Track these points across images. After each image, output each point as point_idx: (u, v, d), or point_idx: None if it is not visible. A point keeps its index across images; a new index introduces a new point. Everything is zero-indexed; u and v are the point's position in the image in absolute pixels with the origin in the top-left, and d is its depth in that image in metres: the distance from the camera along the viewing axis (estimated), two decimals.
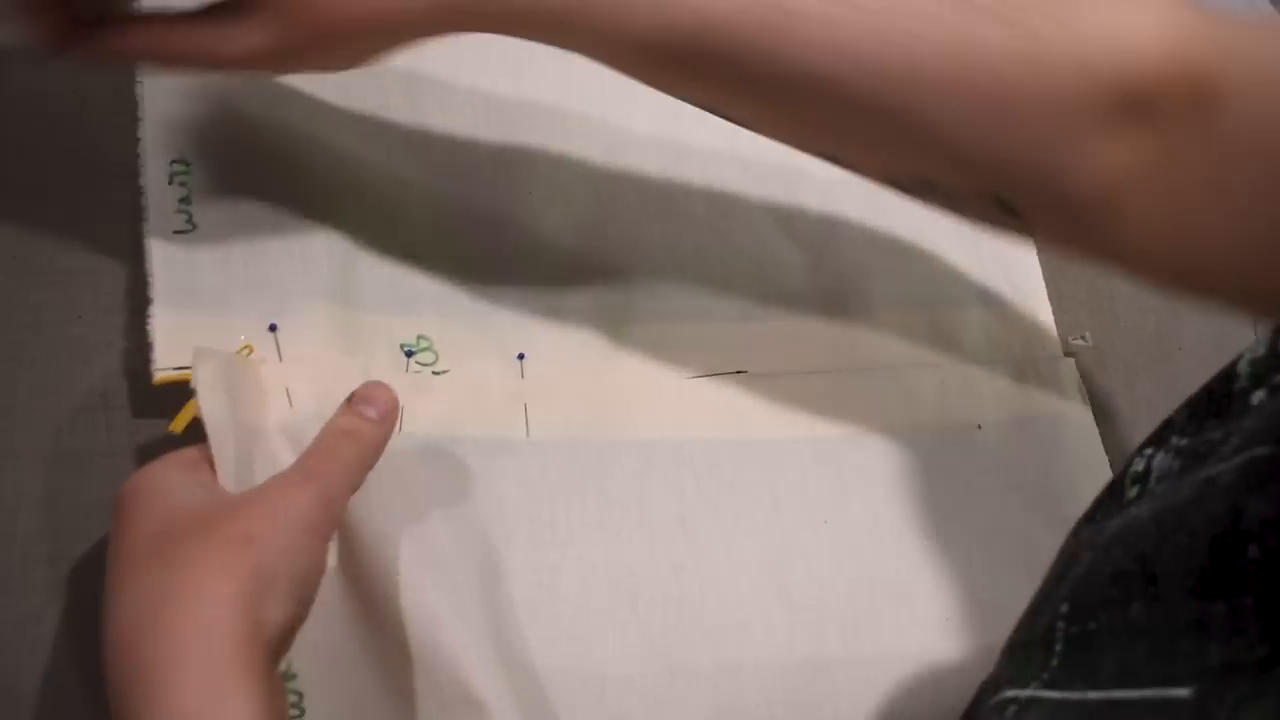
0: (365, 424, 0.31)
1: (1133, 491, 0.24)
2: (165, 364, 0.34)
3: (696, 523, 0.39)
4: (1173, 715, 0.18)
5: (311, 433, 0.31)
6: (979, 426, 0.44)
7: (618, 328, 0.41)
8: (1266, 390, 0.21)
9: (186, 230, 0.37)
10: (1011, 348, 0.46)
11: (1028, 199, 0.32)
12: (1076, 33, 0.29)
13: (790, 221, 0.46)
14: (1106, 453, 0.45)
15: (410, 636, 0.32)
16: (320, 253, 0.38)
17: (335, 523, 0.30)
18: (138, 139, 0.37)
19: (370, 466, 0.31)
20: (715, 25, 0.30)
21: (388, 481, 0.33)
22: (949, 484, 0.42)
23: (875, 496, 0.41)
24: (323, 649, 0.32)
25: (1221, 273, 0.28)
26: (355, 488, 0.31)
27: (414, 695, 0.32)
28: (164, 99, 0.38)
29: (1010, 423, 0.44)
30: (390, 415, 0.32)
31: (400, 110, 0.41)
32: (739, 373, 0.42)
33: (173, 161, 0.37)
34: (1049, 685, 0.22)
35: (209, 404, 0.32)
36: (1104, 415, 0.48)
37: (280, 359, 0.36)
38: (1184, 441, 0.24)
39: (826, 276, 0.45)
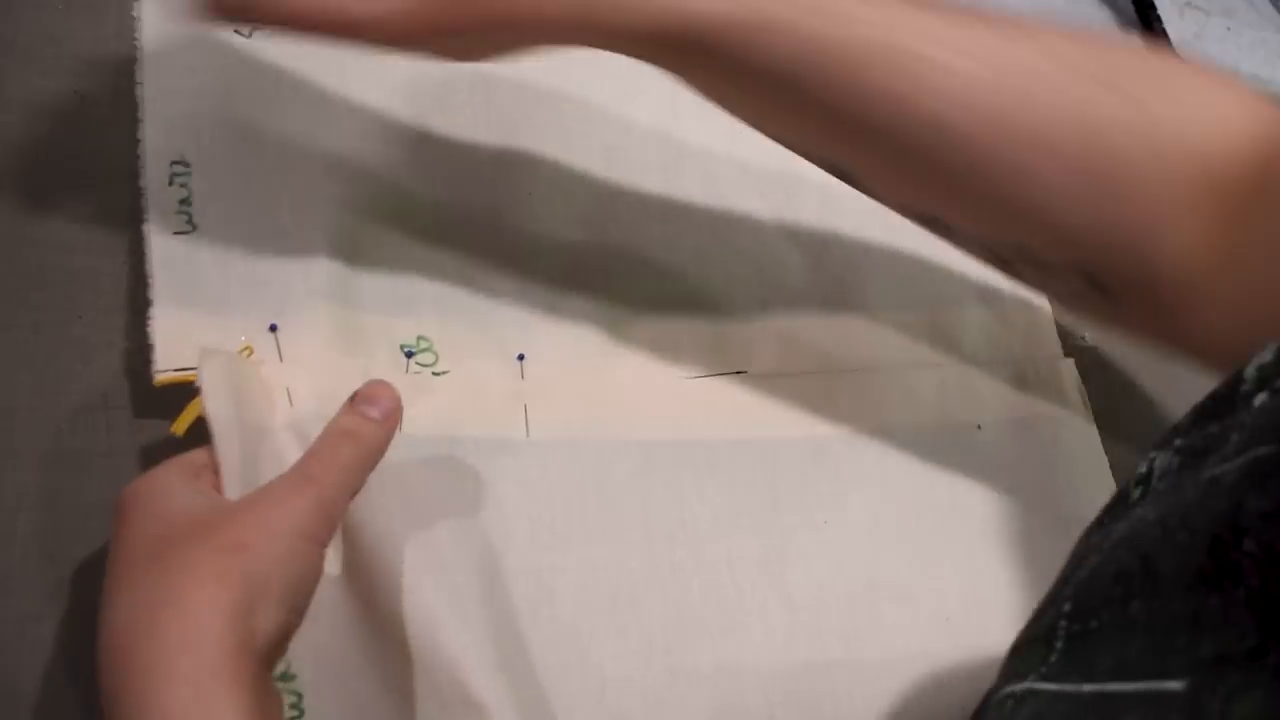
0: (367, 424, 0.31)
1: (1136, 493, 0.24)
2: (166, 365, 0.34)
3: (696, 523, 0.39)
4: (1165, 708, 0.18)
5: (314, 432, 0.31)
6: (979, 426, 0.44)
7: (618, 328, 0.41)
8: (1269, 393, 0.21)
9: (187, 231, 0.36)
10: (1011, 348, 0.46)
11: (1120, 276, 0.31)
12: (1183, 111, 0.29)
13: (790, 222, 0.46)
14: (1106, 453, 0.45)
15: (410, 637, 0.32)
16: (320, 254, 0.38)
17: (334, 526, 0.30)
18: (138, 140, 0.37)
19: (372, 467, 0.31)
20: (846, 66, 0.30)
21: (388, 483, 0.33)
22: (949, 484, 0.42)
23: (875, 496, 0.41)
24: (322, 650, 0.32)
25: None
26: (357, 489, 0.31)
27: (413, 696, 0.32)
28: (164, 100, 0.38)
29: (1010, 423, 0.44)
30: (393, 415, 0.32)
31: (401, 110, 0.41)
32: (739, 373, 0.42)
33: (173, 163, 0.37)
34: (1045, 678, 0.22)
35: (214, 404, 0.32)
36: (1103, 415, 0.48)
37: (281, 359, 0.36)
38: (1183, 441, 0.24)
39: (826, 277, 0.45)
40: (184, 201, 0.37)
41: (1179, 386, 0.53)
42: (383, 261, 0.39)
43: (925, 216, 0.35)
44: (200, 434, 0.32)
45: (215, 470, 0.31)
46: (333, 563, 0.33)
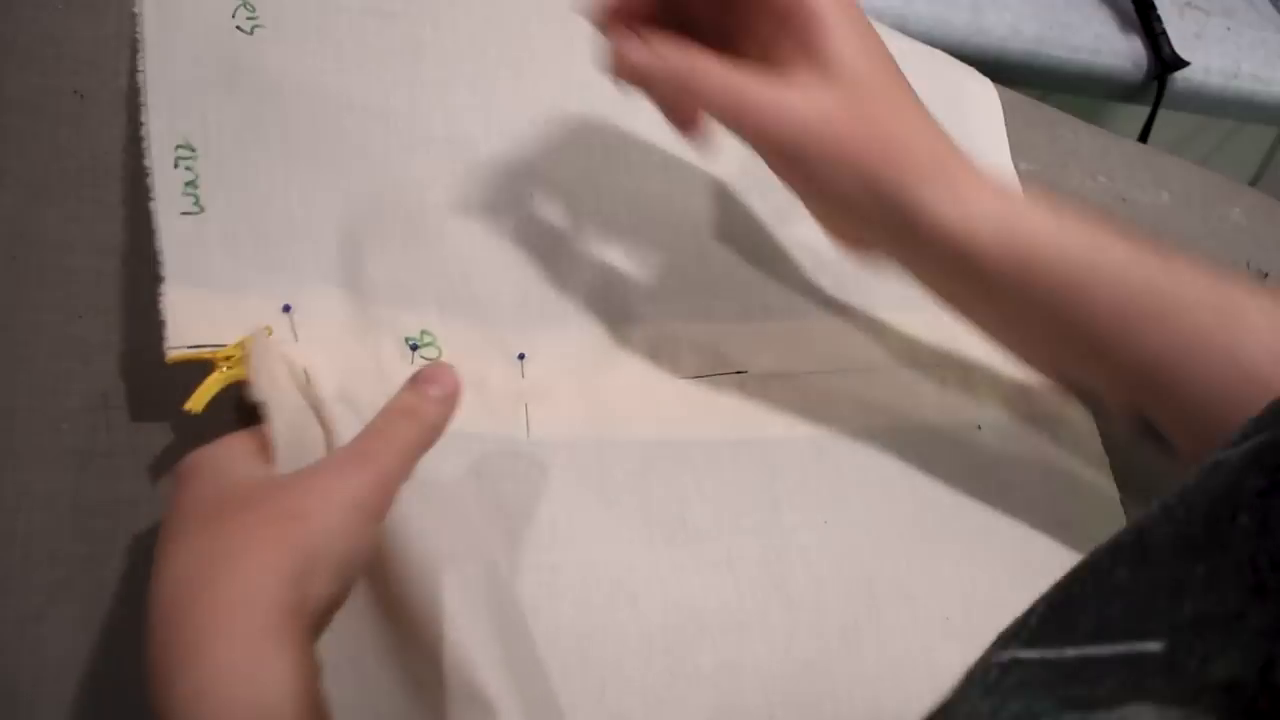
0: (428, 403, 0.31)
1: None
2: (178, 342, 0.33)
3: (697, 522, 0.39)
4: (1144, 669, 0.18)
5: (333, 413, 0.31)
6: (979, 426, 0.44)
7: (618, 328, 0.41)
8: None
9: (194, 212, 0.36)
10: None
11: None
12: None
13: (790, 221, 0.46)
14: (1106, 452, 0.45)
15: (416, 630, 0.32)
16: (329, 242, 0.38)
17: (389, 504, 0.30)
18: (141, 123, 0.36)
19: (428, 447, 0.31)
20: (1111, 309, 0.34)
21: None
22: (949, 484, 0.42)
23: (875, 496, 0.41)
24: (334, 639, 0.32)
25: None
26: (412, 468, 0.31)
27: (422, 687, 0.32)
28: (167, 87, 0.37)
29: (1010, 423, 0.44)
30: (453, 397, 0.32)
31: (401, 110, 0.41)
32: (739, 373, 0.42)
33: (178, 146, 0.36)
34: (1027, 644, 0.22)
35: (261, 382, 0.32)
36: (1103, 415, 0.48)
37: (296, 339, 0.36)
38: None
39: (826, 276, 0.45)
40: (190, 184, 0.36)
41: None
42: (386, 258, 0.39)
43: (1050, 371, 0.39)
44: (215, 409, 0.32)
45: (268, 449, 0.32)
46: None
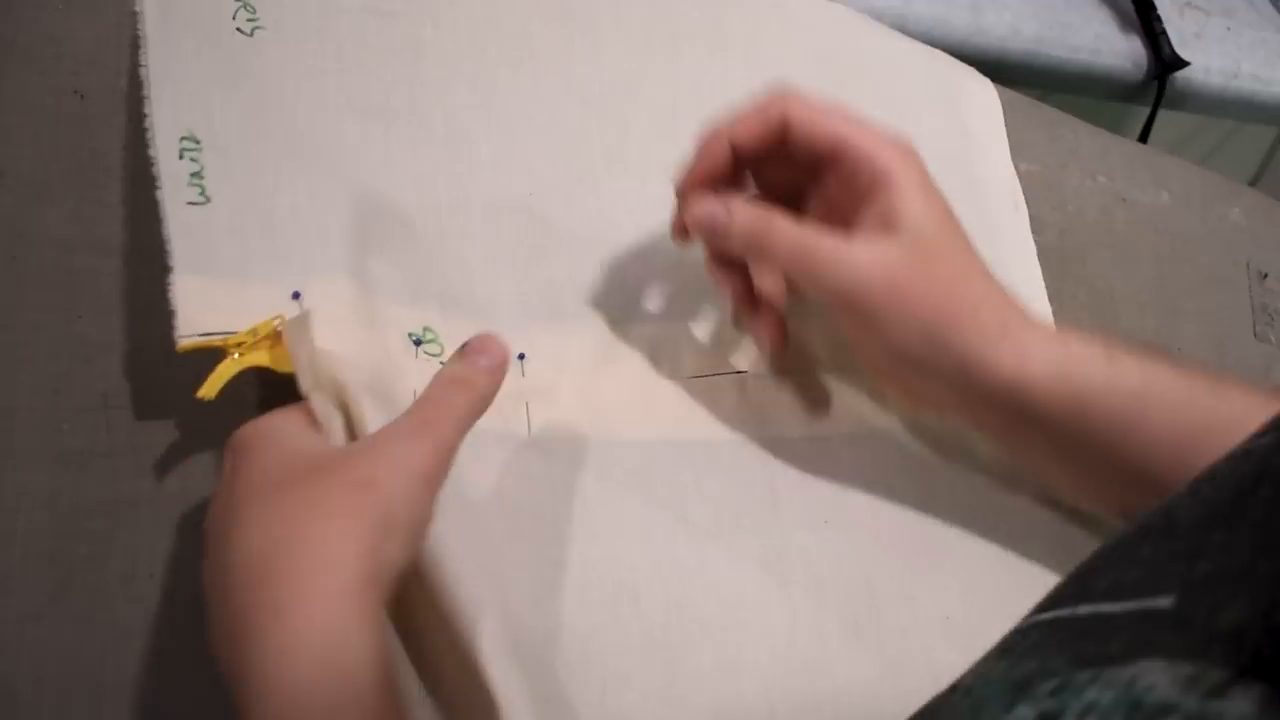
0: (479, 374, 0.32)
1: None
2: (189, 331, 0.33)
3: (697, 522, 0.39)
4: (1154, 623, 0.18)
5: (351, 394, 0.32)
6: None
7: (618, 328, 0.41)
8: None
9: (200, 202, 0.36)
10: None
11: None
12: None
13: None
14: None
15: (418, 630, 0.32)
16: (334, 236, 0.38)
17: (446, 473, 0.30)
18: (144, 114, 0.36)
19: (479, 417, 0.32)
20: (1086, 405, 0.35)
21: None
22: (949, 484, 0.42)
23: (875, 496, 0.41)
24: None
25: None
26: (463, 438, 0.31)
27: (428, 684, 0.32)
28: (171, 80, 0.37)
29: None
30: (501, 367, 0.33)
31: (401, 111, 0.41)
32: (739, 373, 0.42)
33: (182, 138, 0.36)
34: (1044, 609, 0.22)
35: (303, 360, 0.32)
36: None
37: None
38: None
39: None
40: (196, 175, 0.36)
41: None
42: (387, 257, 0.39)
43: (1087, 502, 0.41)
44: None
45: (316, 422, 0.32)
46: None
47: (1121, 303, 0.53)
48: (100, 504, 0.34)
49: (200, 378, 0.36)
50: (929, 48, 0.55)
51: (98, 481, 0.34)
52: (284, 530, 0.27)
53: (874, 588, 0.39)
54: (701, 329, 0.43)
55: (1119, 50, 0.68)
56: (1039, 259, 0.51)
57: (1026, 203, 0.52)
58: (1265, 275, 0.59)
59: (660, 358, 0.42)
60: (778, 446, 0.41)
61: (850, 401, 0.43)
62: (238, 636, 0.26)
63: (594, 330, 0.41)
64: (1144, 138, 0.70)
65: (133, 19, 0.39)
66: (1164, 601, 0.18)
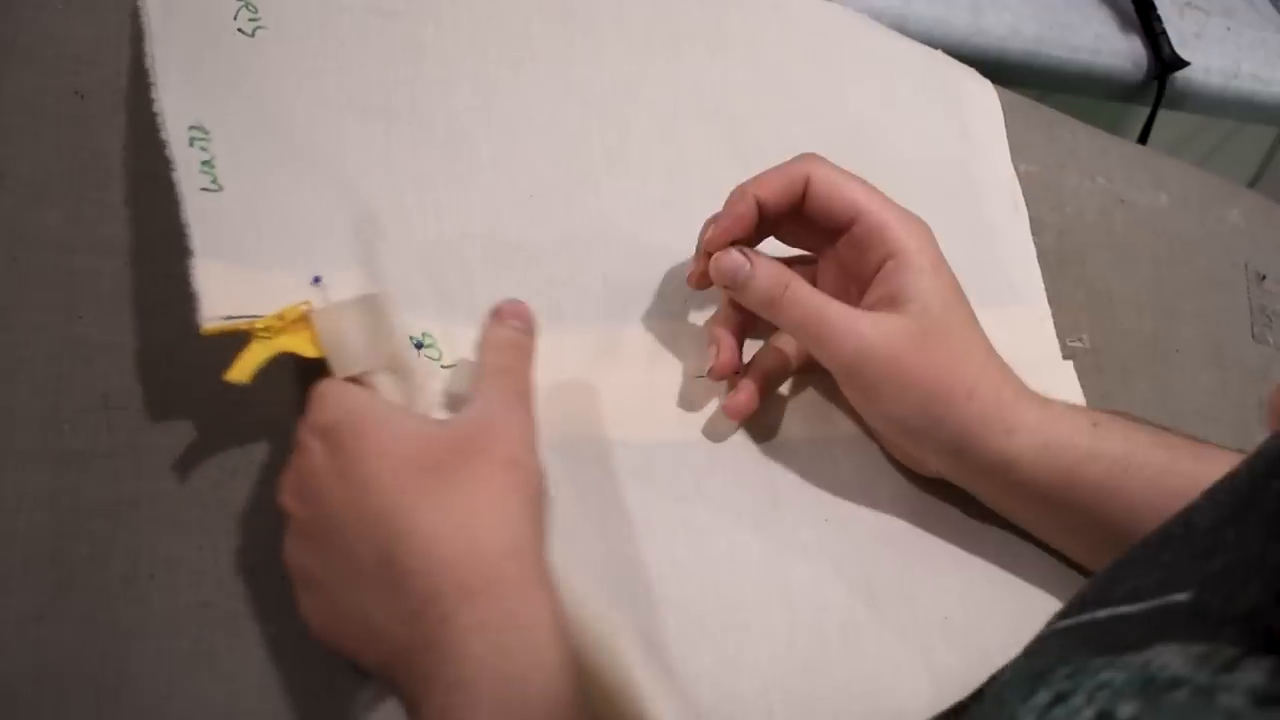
0: (525, 336, 0.35)
1: None
2: (213, 314, 0.33)
3: (697, 522, 0.39)
4: (1171, 616, 0.19)
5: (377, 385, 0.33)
6: None
7: (618, 328, 0.41)
8: None
9: (213, 190, 0.35)
10: (1009, 350, 0.46)
11: None
12: None
13: None
14: None
15: None
16: (343, 231, 0.38)
17: None
18: (152, 99, 0.35)
19: None
20: (1076, 476, 0.37)
21: None
22: (948, 485, 0.42)
23: (875, 496, 0.41)
24: None
25: None
26: None
27: None
28: (176, 72, 0.37)
29: None
30: (533, 327, 0.36)
31: (402, 111, 0.41)
32: (739, 373, 0.42)
33: (191, 127, 0.36)
34: (1065, 615, 0.23)
35: (353, 348, 0.33)
36: None
37: None
38: None
39: None
40: (206, 164, 0.35)
41: (1176, 388, 0.53)
42: (386, 258, 0.39)
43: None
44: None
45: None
46: None
47: (1120, 304, 0.53)
48: (101, 504, 0.34)
49: (201, 376, 0.36)
50: (929, 49, 0.55)
51: (98, 482, 0.34)
52: (462, 516, 0.29)
53: (873, 588, 0.40)
54: (702, 329, 0.43)
55: (1119, 50, 0.68)
56: (1038, 260, 0.51)
57: (1025, 204, 0.53)
58: (1264, 277, 0.59)
59: (660, 359, 0.42)
60: (777, 447, 0.41)
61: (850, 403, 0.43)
62: (422, 615, 0.28)
63: (594, 331, 0.41)
64: (1144, 138, 0.70)
65: (133, 20, 0.39)
66: (1181, 597, 0.19)
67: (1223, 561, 0.19)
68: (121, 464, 0.35)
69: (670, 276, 0.43)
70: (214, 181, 0.35)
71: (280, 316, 0.33)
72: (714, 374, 0.40)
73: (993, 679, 0.25)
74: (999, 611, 0.41)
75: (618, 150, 0.44)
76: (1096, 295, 0.53)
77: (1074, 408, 0.39)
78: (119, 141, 0.38)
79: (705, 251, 0.39)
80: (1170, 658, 0.17)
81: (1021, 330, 0.48)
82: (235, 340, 0.36)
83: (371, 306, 0.34)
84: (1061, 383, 0.47)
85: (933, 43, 0.56)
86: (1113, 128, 0.61)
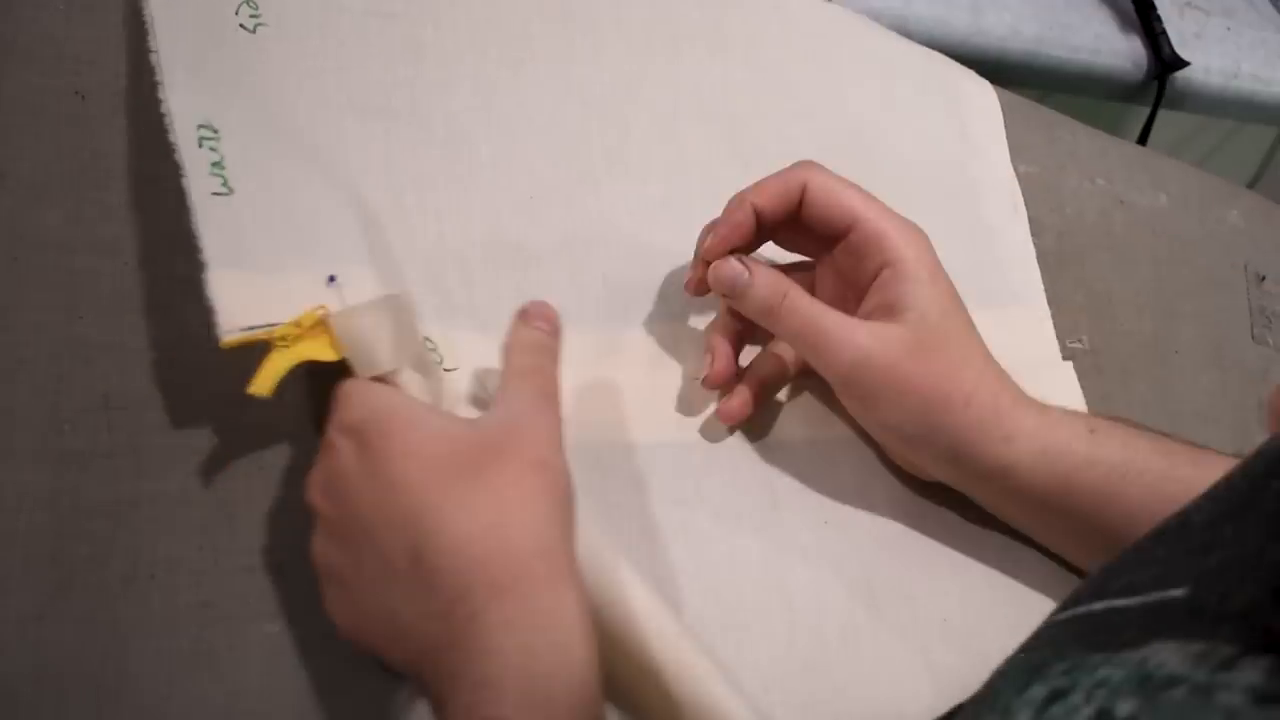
0: (551, 338, 0.35)
1: None
2: (231, 326, 0.32)
3: (696, 524, 0.39)
4: (1167, 612, 0.19)
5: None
6: None
7: (618, 330, 0.41)
8: None
9: (224, 193, 0.35)
10: (1009, 351, 0.46)
11: None
12: None
13: None
14: None
15: None
16: (353, 229, 0.37)
17: None
18: (160, 100, 0.35)
19: None
20: (1130, 519, 0.37)
21: None
22: (947, 486, 0.42)
23: (874, 498, 0.42)
24: None
25: None
26: None
27: None
28: (183, 70, 0.36)
29: None
30: (559, 329, 0.36)
31: (401, 112, 0.41)
32: (735, 380, 0.42)
33: (199, 126, 0.35)
34: (1060, 610, 0.23)
35: (377, 349, 0.33)
36: None
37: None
38: None
39: None
40: (216, 165, 0.35)
41: (1175, 389, 0.53)
42: (395, 257, 0.39)
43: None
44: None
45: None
46: None
47: (1120, 305, 0.53)
48: (101, 504, 0.34)
49: (202, 377, 0.36)
50: (928, 50, 0.55)
51: (99, 482, 0.34)
52: (493, 516, 0.29)
53: (873, 590, 0.40)
54: (702, 331, 0.43)
55: (1119, 50, 0.68)
56: (1037, 261, 0.51)
57: (1025, 205, 0.53)
58: (1263, 278, 0.59)
59: (660, 360, 0.42)
60: (777, 449, 0.41)
61: None
62: (449, 613, 0.28)
63: (594, 332, 0.41)
64: (1144, 138, 0.70)
65: (133, 20, 0.39)
66: (1177, 593, 0.19)
67: (1219, 558, 0.19)
68: (122, 464, 0.35)
69: (671, 277, 0.43)
70: (225, 184, 0.35)
71: (297, 323, 0.33)
72: (707, 383, 0.40)
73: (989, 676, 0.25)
74: (998, 613, 0.41)
75: (618, 151, 0.44)
76: (1096, 296, 0.53)
77: (1072, 414, 0.39)
78: (119, 142, 0.38)
79: (703, 260, 0.39)
80: (1168, 655, 0.17)
81: (1021, 331, 0.48)
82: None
83: (391, 306, 0.34)
84: (1061, 384, 0.47)
85: (933, 43, 0.56)
86: (1113, 128, 0.61)
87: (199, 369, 0.36)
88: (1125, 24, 0.69)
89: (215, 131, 0.35)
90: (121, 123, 0.38)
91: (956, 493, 0.42)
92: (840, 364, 0.37)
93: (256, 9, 0.39)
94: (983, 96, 0.55)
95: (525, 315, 0.35)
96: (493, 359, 0.39)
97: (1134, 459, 0.37)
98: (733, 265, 0.38)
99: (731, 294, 0.39)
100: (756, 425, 0.42)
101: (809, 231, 0.39)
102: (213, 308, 0.32)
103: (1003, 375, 0.39)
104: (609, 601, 0.32)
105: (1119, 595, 0.21)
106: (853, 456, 0.42)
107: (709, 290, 0.40)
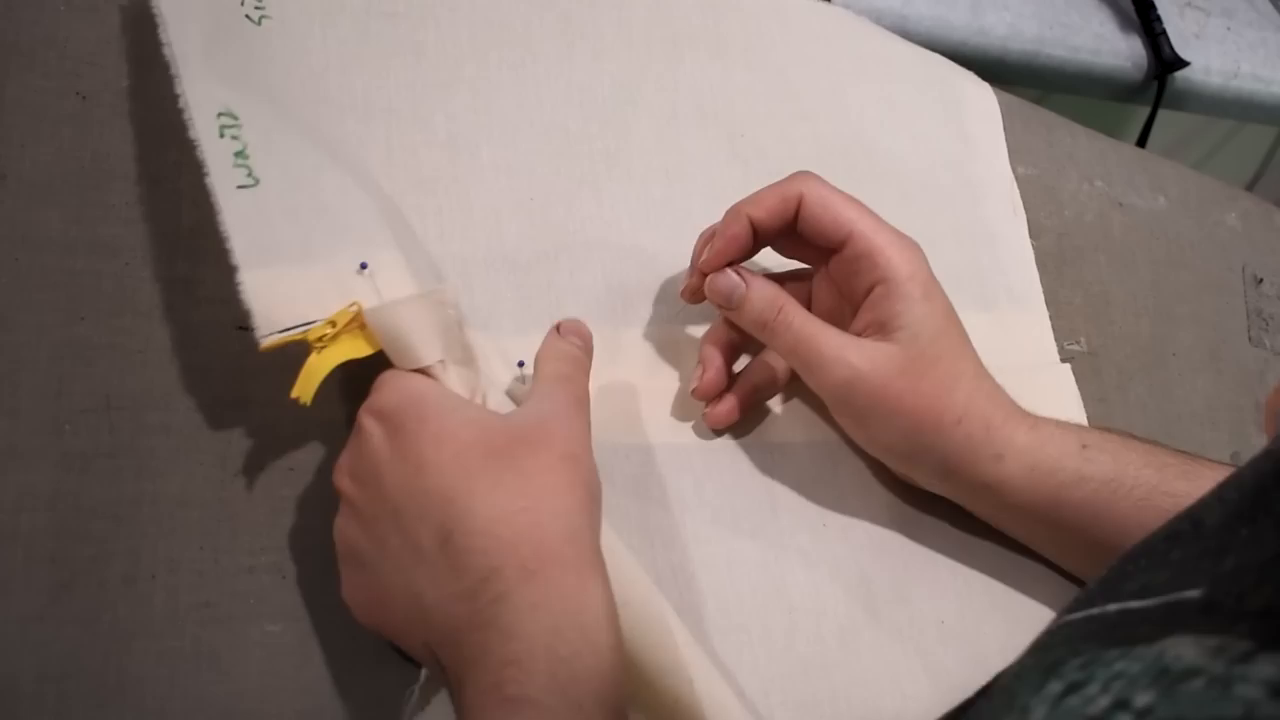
0: (585, 353, 0.36)
1: None
2: (268, 329, 0.32)
3: (696, 526, 0.39)
4: (1182, 612, 0.19)
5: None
6: None
7: (618, 332, 0.42)
8: None
9: (249, 185, 0.34)
10: (1008, 353, 0.47)
11: None
12: None
13: None
14: None
15: None
16: (377, 212, 0.37)
17: None
18: (178, 94, 0.35)
19: None
20: (1126, 526, 0.37)
21: None
22: None
23: (872, 501, 0.42)
24: None
25: None
26: None
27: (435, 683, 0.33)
28: (195, 60, 0.36)
29: None
30: (591, 349, 0.37)
31: (402, 113, 0.41)
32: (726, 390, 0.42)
33: (220, 114, 0.35)
34: (1072, 610, 0.23)
35: (416, 342, 0.33)
36: (1098, 419, 0.48)
37: (379, 298, 0.34)
38: None
39: None
40: (240, 155, 0.34)
41: (1173, 391, 0.53)
42: (413, 250, 0.39)
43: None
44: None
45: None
46: None
47: (1117, 307, 0.53)
48: (102, 505, 0.34)
49: (202, 377, 0.36)
50: (928, 51, 0.55)
51: (100, 482, 0.34)
52: (525, 500, 0.30)
53: (871, 591, 0.40)
54: (701, 333, 0.43)
55: (1119, 50, 0.68)
56: (1036, 263, 0.51)
57: (1024, 207, 0.53)
58: (1261, 280, 0.59)
59: (660, 362, 0.42)
60: (776, 451, 0.41)
61: None
62: (477, 593, 0.28)
63: (594, 333, 0.41)
64: (1144, 138, 0.70)
65: (134, 20, 0.39)
66: (1193, 594, 0.19)
67: (1235, 561, 0.19)
68: (123, 464, 0.35)
69: (670, 279, 0.43)
70: (249, 175, 0.34)
71: (332, 323, 0.33)
72: (697, 394, 0.40)
73: (997, 678, 0.25)
74: (995, 615, 0.41)
75: (617, 152, 0.44)
76: (1094, 298, 0.53)
77: (1064, 428, 0.39)
78: (119, 142, 0.38)
79: (700, 271, 0.40)
80: (1184, 649, 0.17)
81: (1019, 333, 0.48)
82: (237, 342, 0.37)
83: (431, 301, 0.34)
84: (1059, 386, 0.47)
85: (933, 43, 0.56)
86: (1113, 128, 0.61)
87: (199, 369, 0.36)
88: (1125, 24, 0.69)
89: (236, 118, 0.35)
90: (122, 123, 0.38)
91: None
92: (832, 382, 0.37)
93: (261, 1, 0.39)
94: (982, 98, 0.55)
95: (560, 329, 0.36)
96: (493, 359, 0.39)
97: (1125, 473, 0.38)
98: (729, 277, 0.39)
99: (727, 306, 0.39)
100: (756, 428, 0.42)
101: (804, 241, 0.39)
102: (249, 311, 0.32)
103: (995, 391, 0.39)
104: (623, 602, 0.32)
105: (1133, 597, 0.21)
106: (851, 459, 0.42)
107: (703, 299, 0.40)
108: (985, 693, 0.38)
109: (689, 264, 0.41)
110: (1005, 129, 0.54)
